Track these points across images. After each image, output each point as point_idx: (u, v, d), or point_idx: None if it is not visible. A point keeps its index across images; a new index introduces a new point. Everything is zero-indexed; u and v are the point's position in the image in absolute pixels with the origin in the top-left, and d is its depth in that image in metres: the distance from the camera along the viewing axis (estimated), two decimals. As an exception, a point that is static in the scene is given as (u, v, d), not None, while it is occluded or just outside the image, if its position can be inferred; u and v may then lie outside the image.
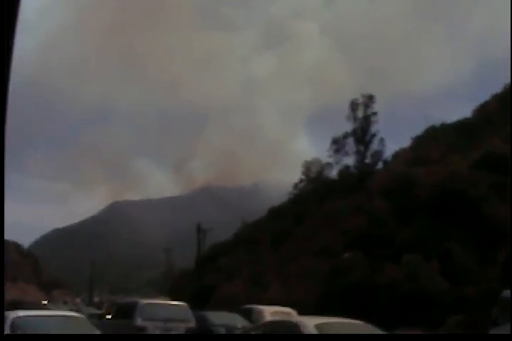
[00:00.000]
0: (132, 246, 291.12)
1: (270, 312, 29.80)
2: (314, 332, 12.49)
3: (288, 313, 30.17)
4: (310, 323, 13.19)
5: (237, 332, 23.48)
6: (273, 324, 15.68)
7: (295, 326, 13.30)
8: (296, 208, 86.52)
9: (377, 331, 13.41)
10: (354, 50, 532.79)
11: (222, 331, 26.07)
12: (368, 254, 45.43)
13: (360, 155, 74.30)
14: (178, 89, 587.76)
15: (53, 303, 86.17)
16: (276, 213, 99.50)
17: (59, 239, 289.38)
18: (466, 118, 70.67)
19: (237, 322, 27.42)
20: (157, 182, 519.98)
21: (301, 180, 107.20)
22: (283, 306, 32.66)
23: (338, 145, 74.71)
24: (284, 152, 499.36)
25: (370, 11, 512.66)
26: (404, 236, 45.63)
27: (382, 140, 74.05)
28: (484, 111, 66.84)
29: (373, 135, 73.44)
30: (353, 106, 74.16)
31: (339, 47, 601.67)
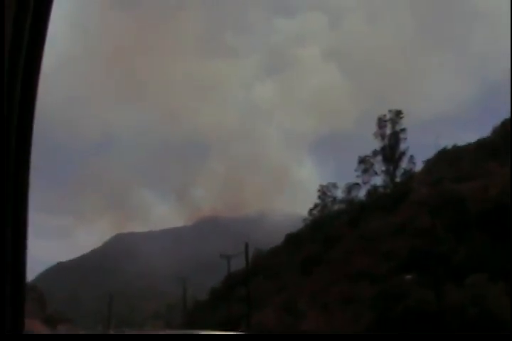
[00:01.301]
0: (136, 278, 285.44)
1: None
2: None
3: None
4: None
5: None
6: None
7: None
8: (321, 232, 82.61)
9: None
10: (357, 76, 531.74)
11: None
12: (425, 276, 41.26)
13: (390, 174, 70.73)
14: (180, 118, 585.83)
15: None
16: (295, 239, 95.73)
17: (62, 273, 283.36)
18: (486, 138, 67.72)
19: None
20: (160, 213, 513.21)
21: (316, 205, 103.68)
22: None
23: (365, 164, 71.19)
24: (289, 179, 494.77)
25: (373, 35, 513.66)
26: (462, 254, 41.55)
27: (411, 157, 70.59)
28: (504, 129, 64.09)
29: (403, 152, 69.95)
30: (380, 123, 70.85)
31: (342, 73, 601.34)
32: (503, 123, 67.44)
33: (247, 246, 54.48)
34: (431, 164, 71.65)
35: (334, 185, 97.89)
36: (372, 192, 71.00)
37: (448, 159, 66.34)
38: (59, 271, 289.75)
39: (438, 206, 48.71)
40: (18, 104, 2.72)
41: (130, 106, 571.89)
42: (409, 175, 68.79)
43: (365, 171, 70.50)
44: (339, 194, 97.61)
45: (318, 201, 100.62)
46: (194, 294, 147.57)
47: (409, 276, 41.12)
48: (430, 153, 73.06)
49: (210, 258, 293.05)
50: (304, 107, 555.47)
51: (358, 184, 73.03)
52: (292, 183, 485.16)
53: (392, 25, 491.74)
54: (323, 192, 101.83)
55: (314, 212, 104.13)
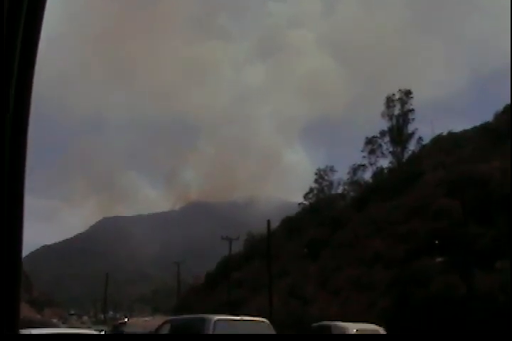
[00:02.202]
0: (123, 262, 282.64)
1: (356, 331, 23.09)
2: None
3: (375, 331, 23.55)
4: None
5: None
6: None
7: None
8: (322, 216, 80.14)
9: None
10: (351, 60, 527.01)
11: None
12: (449, 260, 38.69)
13: (397, 156, 68.06)
14: (171, 100, 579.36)
15: (69, 322, 79.24)
16: (293, 223, 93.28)
17: (48, 256, 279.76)
18: (488, 123, 65.82)
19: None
20: (148, 196, 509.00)
21: (311, 190, 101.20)
22: (338, 320, 26.62)
23: (372, 145, 68.42)
24: (279, 164, 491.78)
25: (367, 20, 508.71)
26: (488, 238, 38.96)
27: (420, 139, 67.92)
28: (508, 115, 62.16)
29: (412, 133, 67.25)
30: (389, 102, 68.02)
31: (336, 57, 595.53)
32: (506, 109, 65.82)
33: (269, 223, 51.39)
34: (428, 150, 69.40)
35: (332, 169, 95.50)
36: (379, 173, 68.25)
37: (444, 145, 64.50)
38: (44, 253, 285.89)
39: (457, 187, 46.06)
40: (14, 96, 2.68)
41: (121, 87, 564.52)
42: (417, 156, 66.07)
43: (371, 152, 67.69)
44: (337, 177, 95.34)
45: (314, 185, 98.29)
46: (183, 278, 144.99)
47: (440, 259, 38.47)
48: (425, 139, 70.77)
49: (198, 243, 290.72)
50: (296, 91, 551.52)
51: (364, 165, 70.21)
52: (282, 168, 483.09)
53: (386, 10, 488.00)
54: (320, 175, 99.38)
55: (310, 196, 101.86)
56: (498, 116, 66.52)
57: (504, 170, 45.13)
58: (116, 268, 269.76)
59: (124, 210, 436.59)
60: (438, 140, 69.31)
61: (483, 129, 65.26)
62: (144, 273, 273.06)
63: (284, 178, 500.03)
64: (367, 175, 71.84)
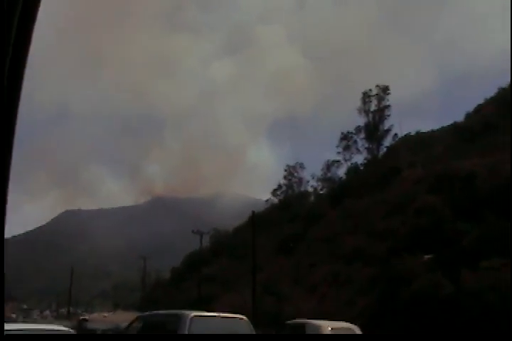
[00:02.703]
0: (84, 256, 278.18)
1: (330, 329, 21.95)
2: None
3: (350, 330, 22.48)
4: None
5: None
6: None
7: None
8: (291, 212, 78.91)
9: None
10: (321, 57, 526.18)
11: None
12: (433, 258, 37.47)
13: (372, 152, 67.00)
14: (136, 92, 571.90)
15: (30, 317, 76.51)
16: (262, 219, 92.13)
17: (8, 249, 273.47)
18: (458, 122, 66.33)
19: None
20: (112, 190, 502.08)
21: (280, 186, 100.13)
22: (315, 318, 25.42)
23: (347, 141, 67.22)
24: (244, 161, 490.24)
25: (339, 18, 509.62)
26: (473, 235, 37.86)
27: (395, 136, 67.03)
28: (480, 115, 62.82)
29: (388, 130, 66.28)
30: (365, 98, 66.94)
31: (306, 54, 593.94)
32: (477, 110, 66.39)
33: (253, 214, 49.56)
34: (397, 148, 68.93)
35: (301, 165, 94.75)
36: (353, 169, 67.11)
37: (413, 144, 64.42)
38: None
39: (439, 184, 45.05)
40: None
41: (86, 78, 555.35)
42: (392, 153, 65.16)
43: (346, 148, 66.50)
44: (306, 173, 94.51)
45: (283, 181, 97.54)
46: (147, 274, 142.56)
47: (428, 256, 37.20)
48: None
49: (162, 239, 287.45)
50: (264, 87, 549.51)
51: (338, 161, 68.97)
52: (248, 165, 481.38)
53: (358, 8, 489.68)
54: (290, 172, 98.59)
55: (278, 192, 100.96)
56: (471, 116, 66.81)
57: (489, 167, 44.38)
58: (77, 262, 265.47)
59: (87, 204, 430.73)
60: (406, 139, 68.98)
61: (455, 128, 65.19)
62: (105, 269, 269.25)
63: (249, 175, 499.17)
64: (341, 172, 70.70)
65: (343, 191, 61.25)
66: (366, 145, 65.82)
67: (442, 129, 70.41)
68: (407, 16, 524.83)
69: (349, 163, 67.70)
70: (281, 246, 61.43)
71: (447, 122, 68.45)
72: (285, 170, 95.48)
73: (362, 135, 66.63)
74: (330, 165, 70.84)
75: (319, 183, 73.87)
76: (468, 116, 67.97)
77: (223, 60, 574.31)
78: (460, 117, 66.99)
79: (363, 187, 57.24)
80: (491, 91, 67.42)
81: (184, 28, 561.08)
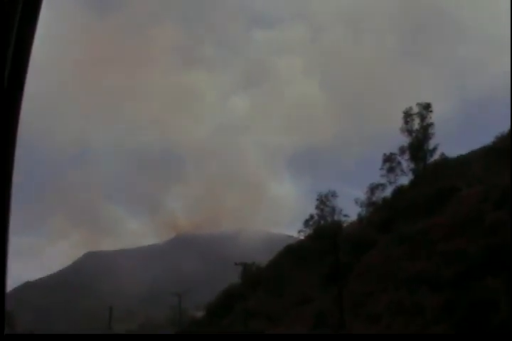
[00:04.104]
0: (108, 298, 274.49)
1: None
2: None
3: None
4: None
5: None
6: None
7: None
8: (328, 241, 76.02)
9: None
10: (337, 90, 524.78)
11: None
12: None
13: (418, 173, 64.04)
14: (155, 130, 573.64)
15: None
16: (298, 251, 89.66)
17: (30, 293, 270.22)
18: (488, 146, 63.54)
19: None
20: (133, 230, 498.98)
21: (312, 217, 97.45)
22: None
23: (391, 163, 64.31)
24: (266, 196, 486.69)
25: (354, 49, 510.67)
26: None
27: (442, 155, 64.10)
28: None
29: (434, 149, 63.46)
30: (407, 117, 64.34)
31: (321, 87, 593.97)
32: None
33: None
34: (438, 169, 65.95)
35: (334, 194, 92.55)
36: (398, 192, 63.98)
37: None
38: (26, 290, 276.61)
39: (504, 200, 41.89)
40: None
41: (105, 117, 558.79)
42: (436, 173, 62.09)
43: (390, 170, 63.50)
44: (338, 204, 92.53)
45: (315, 211, 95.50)
46: (176, 312, 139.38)
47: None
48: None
49: (184, 277, 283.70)
50: (282, 121, 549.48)
51: (382, 184, 65.77)
52: (268, 199, 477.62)
53: (374, 38, 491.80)
54: (322, 201, 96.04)
55: (310, 223, 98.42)
56: (504, 138, 64.30)
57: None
58: (100, 304, 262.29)
59: (109, 244, 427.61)
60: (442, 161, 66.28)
61: (491, 150, 62.48)
62: (129, 310, 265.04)
63: (270, 210, 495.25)
64: (386, 194, 67.40)
65: (393, 215, 58.08)
66: (411, 166, 62.85)
67: (473, 152, 67.64)
68: (422, 41, 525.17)
69: (394, 186, 64.56)
70: (329, 275, 57.94)
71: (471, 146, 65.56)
72: (317, 200, 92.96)
73: (405, 156, 63.87)
74: (374, 189, 67.49)
75: (363, 208, 70.53)
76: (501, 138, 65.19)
77: (240, 95, 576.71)
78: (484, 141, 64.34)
79: (414, 210, 54.10)
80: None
81: (199, 64, 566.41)
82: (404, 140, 64.46)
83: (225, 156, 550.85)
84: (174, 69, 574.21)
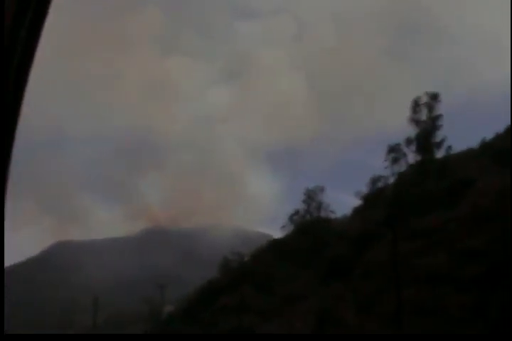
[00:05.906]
0: (74, 289, 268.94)
1: None
2: None
3: None
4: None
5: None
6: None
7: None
8: (312, 236, 73.73)
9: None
10: (321, 87, 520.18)
11: None
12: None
13: (423, 165, 60.88)
14: (130, 119, 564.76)
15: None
16: (283, 246, 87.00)
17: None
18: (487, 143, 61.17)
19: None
20: (105, 220, 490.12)
21: (297, 212, 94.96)
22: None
23: (396, 153, 61.07)
24: (243, 191, 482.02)
25: (341, 46, 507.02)
26: None
27: (449, 148, 61.06)
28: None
29: (442, 141, 60.39)
30: (415, 107, 61.20)
31: (306, 82, 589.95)
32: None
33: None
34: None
35: (322, 189, 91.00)
36: (405, 184, 60.75)
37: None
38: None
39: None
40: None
41: (82, 105, 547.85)
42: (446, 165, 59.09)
43: (395, 161, 60.31)
44: (325, 199, 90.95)
45: (302, 206, 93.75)
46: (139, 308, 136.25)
47: None
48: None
49: (158, 271, 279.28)
50: (262, 116, 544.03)
51: (384, 176, 62.66)
52: (245, 196, 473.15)
53: (362, 36, 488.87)
54: (309, 195, 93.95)
55: (294, 217, 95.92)
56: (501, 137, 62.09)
57: None
58: (67, 295, 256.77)
59: (80, 234, 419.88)
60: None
61: (487, 148, 60.19)
62: (99, 303, 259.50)
63: (245, 207, 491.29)
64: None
65: (399, 208, 54.64)
66: (417, 158, 59.75)
67: (470, 150, 65.33)
68: (411, 42, 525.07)
69: (398, 178, 61.31)
70: (330, 271, 54.40)
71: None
72: (304, 194, 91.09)
73: (409, 148, 60.85)
74: (375, 181, 64.21)
75: (363, 202, 67.28)
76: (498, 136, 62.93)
77: (223, 87, 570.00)
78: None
79: (424, 203, 50.76)
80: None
81: (179, 53, 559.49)
82: (402, 136, 61.88)
83: (203, 148, 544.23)
84: (153, 58, 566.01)
